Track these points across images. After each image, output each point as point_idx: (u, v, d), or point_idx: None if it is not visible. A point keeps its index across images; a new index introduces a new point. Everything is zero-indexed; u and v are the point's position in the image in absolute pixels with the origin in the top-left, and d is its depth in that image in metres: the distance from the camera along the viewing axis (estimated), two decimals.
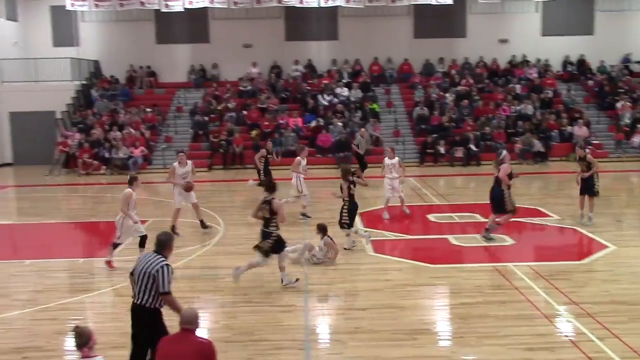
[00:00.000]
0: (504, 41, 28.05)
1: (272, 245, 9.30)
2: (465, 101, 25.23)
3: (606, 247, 11.41)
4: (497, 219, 11.84)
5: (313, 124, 24.40)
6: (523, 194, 17.34)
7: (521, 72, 27.39)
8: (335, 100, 25.56)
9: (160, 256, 6.12)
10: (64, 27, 27.64)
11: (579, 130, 23.46)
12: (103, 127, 24.24)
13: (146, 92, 27.31)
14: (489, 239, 11.82)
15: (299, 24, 27.81)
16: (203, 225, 13.18)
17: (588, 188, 13.11)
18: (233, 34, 27.47)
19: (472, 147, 22.83)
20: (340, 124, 23.98)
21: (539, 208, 14.89)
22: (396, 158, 14.64)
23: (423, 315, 8.50)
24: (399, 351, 7.20)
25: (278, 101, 25.93)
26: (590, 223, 12.90)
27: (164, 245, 6.20)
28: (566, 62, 28.05)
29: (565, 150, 23.35)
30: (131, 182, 10.52)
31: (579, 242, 12.20)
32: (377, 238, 12.21)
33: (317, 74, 27.61)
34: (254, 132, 24.03)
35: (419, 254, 11.40)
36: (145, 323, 6.08)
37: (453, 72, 27.34)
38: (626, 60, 28.08)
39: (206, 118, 24.83)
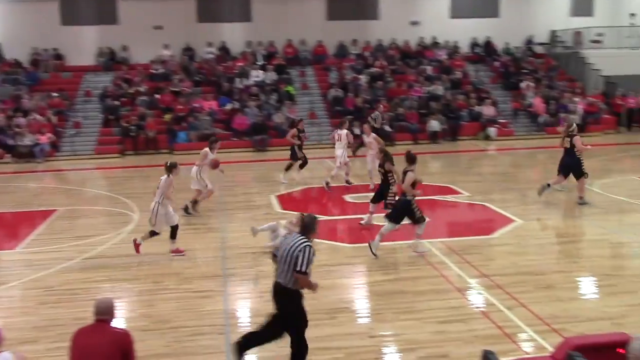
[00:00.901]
0: (415, 23, 28.60)
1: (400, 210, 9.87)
2: (379, 82, 25.63)
3: (513, 221, 11.95)
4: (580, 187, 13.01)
5: (228, 107, 24.14)
6: (434, 172, 17.91)
7: (431, 53, 28.06)
8: (250, 82, 25.38)
9: (304, 237, 6.21)
10: None
11: (487, 110, 24.34)
12: (6, 113, 23.04)
13: (52, 76, 26.11)
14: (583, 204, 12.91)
15: (211, 5, 27.33)
16: (186, 210, 12.83)
17: (574, 170, 13.06)
18: (143, 15, 26.64)
19: (386, 127, 23.23)
20: (255, 106, 23.85)
21: (450, 185, 15.38)
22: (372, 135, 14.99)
23: (341, 294, 8.64)
24: (319, 330, 7.30)
25: (192, 84, 25.45)
26: (583, 202, 12.99)
27: (308, 227, 6.32)
28: (474, 44, 28.95)
29: (474, 129, 24.18)
30: (171, 169, 10.17)
31: (489, 218, 12.70)
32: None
33: (231, 56, 27.28)
34: (167, 116, 23.52)
35: (336, 235, 11.56)
36: (286, 304, 6.24)
37: (366, 53, 27.68)
38: (529, 42, 29.28)
39: (117, 102, 24.06)
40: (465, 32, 28.55)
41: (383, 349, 6.98)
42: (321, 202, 14.40)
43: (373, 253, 9.85)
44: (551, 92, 25.89)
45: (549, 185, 13.41)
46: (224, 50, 27.39)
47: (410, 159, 10.03)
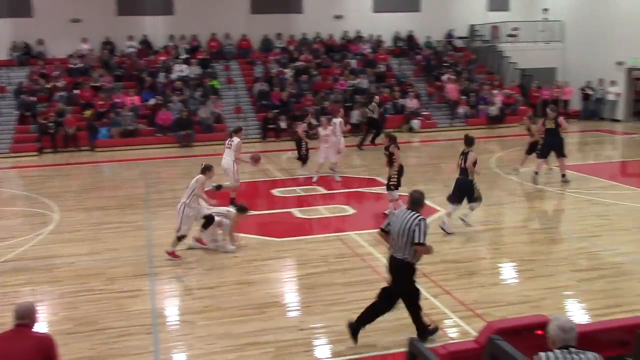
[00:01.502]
0: (338, 17, 28.79)
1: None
2: (304, 76, 25.70)
3: (437, 210, 12.25)
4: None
5: (151, 102, 23.62)
6: (361, 165, 18.12)
7: (356, 47, 28.34)
8: (174, 77, 24.92)
9: (416, 212, 6.62)
10: None
11: (411, 102, 24.83)
12: None
13: None
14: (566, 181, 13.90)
15: None
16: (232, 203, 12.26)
17: (559, 149, 14.29)
18: (59, 7, 25.64)
19: (313, 121, 23.30)
20: (180, 101, 23.44)
21: (376, 178, 15.60)
22: (329, 127, 15.41)
23: (271, 288, 8.64)
24: (249, 326, 7.29)
25: (112, 79, 24.73)
26: (566, 180, 14.15)
27: (418, 202, 6.77)
28: (396, 38, 29.44)
29: (398, 122, 24.61)
30: (205, 171, 10.06)
31: None
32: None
33: (153, 50, 26.67)
34: (87, 112, 22.79)
35: (264, 229, 11.54)
36: (403, 276, 6.64)
37: (291, 47, 27.67)
38: (450, 35, 30.02)
39: (33, 98, 23.11)
40: (388, 26, 28.98)
41: (313, 341, 7.03)
42: (249, 196, 14.31)
43: (448, 232, 10.67)
44: (471, 84, 26.68)
45: (536, 173, 14.33)
46: (145, 44, 26.75)
47: (469, 141, 10.94)
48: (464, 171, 10.83)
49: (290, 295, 8.61)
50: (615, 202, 12.71)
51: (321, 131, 15.41)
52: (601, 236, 10.57)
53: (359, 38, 28.83)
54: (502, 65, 28.49)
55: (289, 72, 25.83)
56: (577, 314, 7.58)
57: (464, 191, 10.82)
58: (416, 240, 6.44)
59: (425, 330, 6.83)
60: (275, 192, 14.53)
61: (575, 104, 26.83)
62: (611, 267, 9.00)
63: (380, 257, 9.57)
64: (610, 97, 25.52)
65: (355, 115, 23.42)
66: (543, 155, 14.54)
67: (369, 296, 7.99)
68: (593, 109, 26.09)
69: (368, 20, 28.89)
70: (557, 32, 28.40)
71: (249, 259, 9.72)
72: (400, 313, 7.51)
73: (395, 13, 29.12)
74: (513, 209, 12.58)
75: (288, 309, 8.06)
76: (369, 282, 8.55)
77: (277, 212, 12.87)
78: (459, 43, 30.05)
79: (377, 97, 22.50)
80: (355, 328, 6.75)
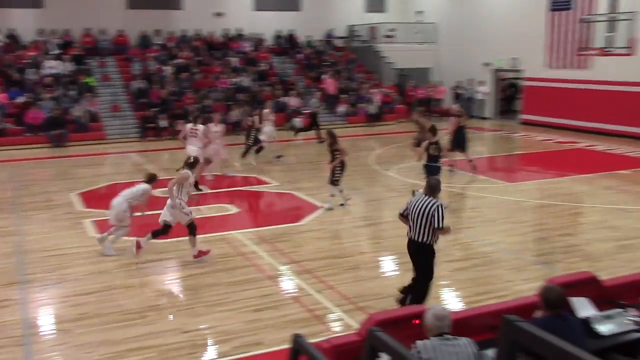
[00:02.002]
0: (219, 14, 28.47)
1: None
2: (185, 74, 25.21)
3: (320, 207, 12.44)
4: None
5: (20, 100, 22.23)
6: (242, 163, 18.04)
7: (237, 45, 28.17)
8: (45, 73, 23.61)
9: (432, 198, 7.03)
10: None
11: (293, 101, 25.03)
12: None
13: None
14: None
15: None
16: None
17: (461, 143, 15.68)
18: None
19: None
20: (51, 99, 22.25)
21: (258, 176, 15.61)
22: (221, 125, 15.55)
23: (152, 291, 8.42)
24: (130, 331, 7.06)
25: None
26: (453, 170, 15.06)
27: (435, 188, 7.17)
28: (278, 37, 29.56)
29: (280, 120, 24.67)
30: (192, 166, 9.76)
31: (297, 206, 13.10)
32: (100, 218, 11.68)
33: (21, 45, 25.12)
34: None
35: (145, 231, 11.19)
36: (423, 257, 7.18)
37: (171, 44, 27.04)
38: (329, 35, 30.56)
39: None
40: (269, 24, 29.03)
41: (198, 343, 6.93)
42: None
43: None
44: (351, 83, 27.30)
45: (470, 160, 15.70)
46: (12, 38, 25.14)
47: (433, 130, 12.31)
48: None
49: (173, 298, 8.43)
50: (484, 195, 13.49)
51: (212, 127, 15.16)
52: (473, 228, 11.18)
53: (240, 36, 28.68)
54: (380, 65, 29.37)
55: (168, 70, 25.24)
56: (452, 302, 7.99)
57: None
58: (436, 226, 6.96)
59: (419, 299, 7.35)
60: (156, 192, 14.12)
61: (448, 103, 28.17)
62: (482, 257, 9.55)
63: (264, 255, 9.60)
64: (479, 96, 27.01)
65: (236, 114, 23.24)
66: (458, 149, 15.82)
67: (254, 295, 8.02)
68: (464, 107, 27.44)
69: (249, 18, 28.80)
70: (430, 34, 29.67)
71: (129, 262, 9.41)
72: (286, 309, 7.58)
73: (276, 12, 29.25)
74: (392, 204, 13.02)
75: (171, 311, 7.88)
76: (254, 281, 8.55)
77: (158, 213, 12.52)
78: (338, 43, 30.64)
79: (318, 93, 23.89)
80: (403, 299, 7.48)
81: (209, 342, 6.98)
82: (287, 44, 29.47)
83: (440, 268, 9.02)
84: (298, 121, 24.48)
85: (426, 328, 4.38)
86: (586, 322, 5.32)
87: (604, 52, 17.28)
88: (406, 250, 9.77)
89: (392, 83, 28.62)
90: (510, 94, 28.31)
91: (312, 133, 21.64)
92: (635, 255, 9.42)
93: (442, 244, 10.09)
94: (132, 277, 8.85)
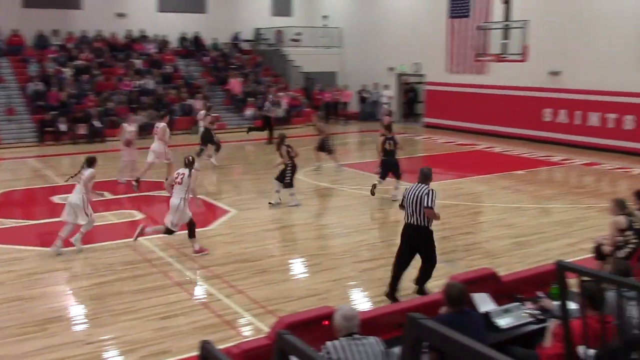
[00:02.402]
0: (121, 15, 27.69)
1: None
2: (86, 76, 24.33)
3: (228, 211, 12.36)
4: None
5: None
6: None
7: (141, 47, 27.48)
8: None
9: (426, 185, 7.76)
10: None
11: (198, 104, 24.67)
12: None
13: None
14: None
15: None
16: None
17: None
18: None
19: (96, 123, 22.20)
20: None
21: (165, 180, 15.27)
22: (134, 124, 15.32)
23: (54, 303, 8.07)
24: (30, 345, 6.74)
25: None
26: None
27: (428, 176, 7.89)
28: (183, 39, 29.08)
29: (187, 123, 24.34)
30: (191, 165, 9.94)
31: (205, 210, 12.93)
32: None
33: None
34: None
35: (45, 239, 10.73)
36: (424, 239, 7.79)
37: (70, 45, 26.01)
38: (236, 38, 30.38)
39: None
40: (173, 26, 28.50)
41: (102, 354, 6.71)
42: (26, 205, 13.22)
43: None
44: (258, 86, 27.25)
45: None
46: None
47: (388, 128, 13.71)
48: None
49: (76, 308, 8.11)
50: (389, 196, 13.81)
51: (127, 128, 14.71)
52: (379, 228, 11.44)
53: (143, 37, 27.99)
54: (287, 69, 29.50)
55: (68, 72, 24.27)
56: (361, 302, 8.13)
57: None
58: (426, 204, 7.54)
59: (423, 290, 7.91)
60: (56, 199, 13.57)
61: (354, 106, 28.67)
62: (389, 257, 9.76)
63: (172, 262, 9.42)
64: (384, 100, 27.65)
65: (140, 118, 22.65)
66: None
67: (162, 302, 7.86)
68: (369, 110, 28.03)
69: (153, 20, 28.18)
70: (336, 38, 30.10)
71: (28, 272, 8.98)
72: (195, 315, 7.47)
73: (181, 13, 28.78)
74: (301, 207, 13.11)
75: (74, 322, 7.58)
76: (161, 288, 8.37)
77: (59, 220, 12.03)
78: (245, 46, 30.52)
79: (270, 96, 23.93)
80: (392, 293, 7.93)
81: (114, 352, 6.78)
82: (192, 47, 29.04)
83: (348, 269, 9.20)
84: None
85: (335, 329, 4.45)
86: (487, 317, 5.57)
87: (500, 58, 18.10)
88: (313, 253, 9.90)
89: (299, 87, 28.81)
90: (411, 98, 29.15)
91: (264, 134, 21.57)
92: (530, 251, 9.94)
93: (349, 246, 10.30)
94: (31, 288, 8.45)
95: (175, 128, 23.82)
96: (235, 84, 26.45)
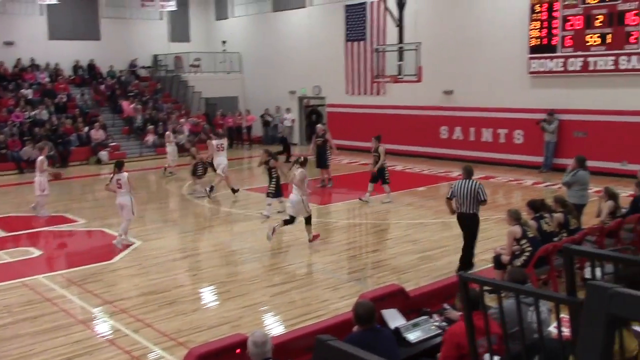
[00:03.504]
0: (9, 44, 26.52)
1: None
2: None
3: (132, 243, 11.99)
4: None
5: None
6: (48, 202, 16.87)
7: (32, 76, 26.38)
8: None
9: (473, 180, 9.42)
10: None
11: (96, 134, 23.93)
12: None
13: None
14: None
15: None
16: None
17: (323, 161, 17.42)
18: None
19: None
20: None
21: (64, 214, 14.69)
22: None
23: None
24: None
25: None
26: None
27: (472, 172, 9.54)
28: (77, 67, 28.16)
29: (85, 154, 23.53)
30: (304, 164, 11.60)
31: (107, 243, 12.48)
32: None
33: None
34: None
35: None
36: (474, 224, 9.55)
37: None
38: (133, 65, 29.76)
39: None
40: (66, 54, 27.59)
41: None
42: None
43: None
44: (158, 113, 26.75)
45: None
46: None
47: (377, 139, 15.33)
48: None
49: None
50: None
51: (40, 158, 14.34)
52: (288, 251, 11.45)
53: (34, 66, 26.89)
54: (187, 94, 29.18)
55: None
56: (274, 326, 8.08)
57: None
58: (481, 199, 9.32)
59: (469, 265, 9.57)
60: None
61: (258, 130, 28.68)
62: (299, 279, 9.81)
63: (74, 299, 9.01)
64: (287, 123, 27.83)
65: (28, 150, 21.65)
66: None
67: (64, 342, 7.48)
68: (272, 134, 28.13)
69: (43, 48, 27.16)
70: (235, 63, 30.11)
71: None
72: (101, 353, 7.16)
73: (74, 41, 27.89)
74: (207, 234, 12.92)
75: None
76: (63, 327, 7.97)
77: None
78: (143, 72, 29.95)
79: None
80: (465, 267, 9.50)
81: None
82: (87, 74, 28.17)
83: (259, 294, 9.14)
84: (104, 154, 23.46)
85: (249, 356, 4.41)
86: (397, 332, 5.68)
87: (396, 79, 18.70)
88: (223, 280, 9.83)
89: (201, 112, 28.53)
90: (314, 121, 29.52)
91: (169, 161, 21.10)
92: (435, 265, 10.25)
93: (259, 271, 10.23)
94: None
95: (72, 159, 23.03)
96: (127, 106, 25.96)
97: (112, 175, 11.77)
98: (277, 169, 13.73)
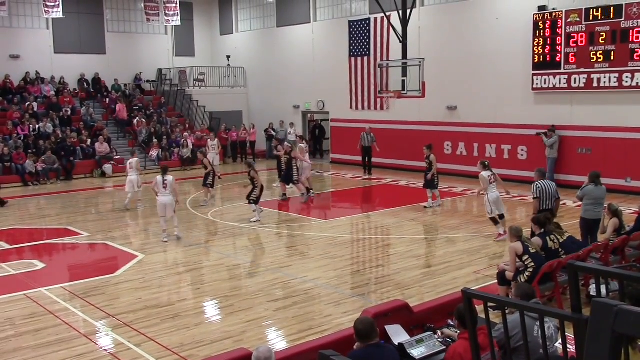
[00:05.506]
0: (15, 57, 26.71)
1: None
2: None
3: (135, 256, 11.99)
4: None
5: None
6: (49, 214, 16.92)
7: (37, 89, 26.53)
8: None
9: (549, 181, 11.07)
10: None
11: (101, 147, 24.02)
12: None
13: None
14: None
15: None
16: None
17: (289, 177, 17.67)
18: None
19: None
20: None
21: (68, 227, 14.72)
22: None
23: None
24: None
25: None
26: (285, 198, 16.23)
27: (544, 173, 11.04)
28: (82, 80, 28.32)
29: (89, 167, 23.60)
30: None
31: (111, 256, 12.51)
32: None
33: None
34: None
35: None
36: (554, 216, 10.29)
37: None
38: (138, 79, 29.92)
39: None
40: (72, 67, 27.77)
41: None
42: None
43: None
44: (162, 127, 26.85)
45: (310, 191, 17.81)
46: None
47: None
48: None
49: None
50: (300, 233, 13.88)
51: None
52: (291, 266, 11.43)
53: (40, 80, 27.05)
54: (192, 109, 29.29)
55: None
56: (277, 341, 8.05)
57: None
58: (557, 196, 10.87)
59: None
60: None
61: (262, 144, 28.75)
62: (302, 294, 9.79)
63: (77, 312, 9.01)
64: (291, 137, 27.90)
65: (30, 163, 21.75)
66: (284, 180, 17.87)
67: (66, 355, 7.48)
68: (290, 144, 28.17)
69: (49, 62, 27.34)
70: (240, 78, 30.25)
71: None
72: None
73: (80, 55, 28.08)
74: (212, 248, 12.93)
75: None
76: (66, 340, 7.97)
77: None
78: (147, 86, 30.09)
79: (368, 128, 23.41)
80: None
81: None
82: (92, 88, 28.32)
83: (262, 308, 9.12)
84: (109, 167, 23.53)
85: None
86: (402, 348, 5.66)
87: (400, 94, 18.76)
88: (226, 294, 9.86)
89: (205, 126, 28.62)
90: (318, 135, 29.60)
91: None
92: (439, 281, 10.23)
93: (263, 285, 10.22)
94: None
95: (76, 172, 23.11)
96: (121, 109, 26.15)
97: (159, 178, 13.17)
98: (257, 179, 14.97)
